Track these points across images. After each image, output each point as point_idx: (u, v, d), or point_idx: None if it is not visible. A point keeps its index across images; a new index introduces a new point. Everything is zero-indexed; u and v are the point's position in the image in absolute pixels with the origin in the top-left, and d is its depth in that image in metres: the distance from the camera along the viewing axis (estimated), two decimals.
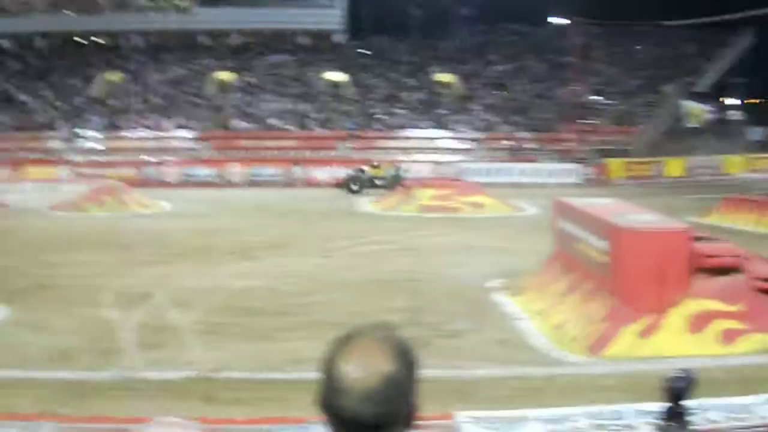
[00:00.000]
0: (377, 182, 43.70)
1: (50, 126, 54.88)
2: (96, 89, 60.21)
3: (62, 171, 45.93)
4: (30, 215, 34.35)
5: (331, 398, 2.51)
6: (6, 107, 57.55)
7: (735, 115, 61.58)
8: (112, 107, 57.74)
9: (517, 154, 52.87)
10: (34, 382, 13.32)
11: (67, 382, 13.34)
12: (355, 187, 43.59)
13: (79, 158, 49.11)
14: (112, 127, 55.10)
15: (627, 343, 13.78)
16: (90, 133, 53.59)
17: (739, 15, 60.36)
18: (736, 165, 53.77)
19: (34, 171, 45.46)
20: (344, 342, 2.56)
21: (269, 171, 48.86)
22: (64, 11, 67.06)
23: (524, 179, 47.99)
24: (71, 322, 17.06)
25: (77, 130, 53.23)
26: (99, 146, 52.34)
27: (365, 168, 44.91)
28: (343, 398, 2.46)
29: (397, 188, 41.84)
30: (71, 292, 20.02)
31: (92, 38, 68.46)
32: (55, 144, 52.32)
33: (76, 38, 68.50)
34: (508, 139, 54.81)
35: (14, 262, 24.24)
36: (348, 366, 2.48)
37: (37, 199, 36.66)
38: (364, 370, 2.46)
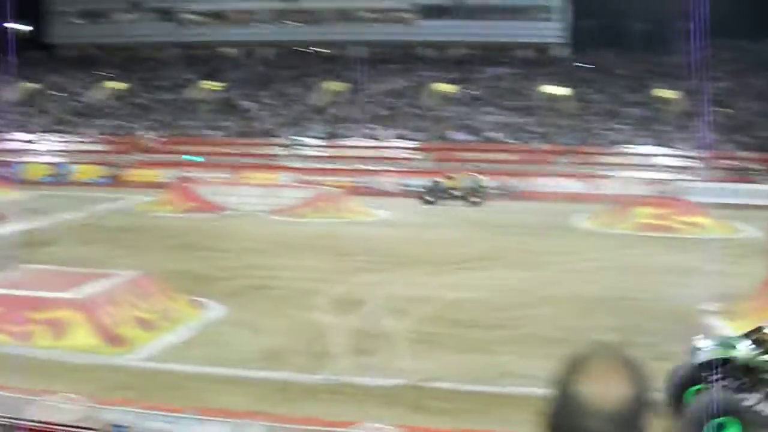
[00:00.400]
0: (454, 193, 43.03)
1: (272, 133, 56.50)
2: (317, 98, 61.66)
3: (282, 177, 47.12)
4: (250, 219, 35.45)
5: (568, 418, 2.41)
6: (230, 113, 59.72)
7: None
8: (333, 116, 58.93)
9: (738, 174, 50.76)
10: (247, 381, 13.65)
11: (279, 382, 13.60)
12: (430, 198, 43.15)
13: (298, 165, 50.28)
14: (332, 135, 56.20)
15: None
16: (309, 140, 54.84)
17: None
18: None
19: (255, 176, 46.82)
20: (581, 361, 2.48)
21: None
22: (288, 21, 69.13)
23: (746, 200, 45.90)
24: (285, 324, 17.43)
25: (296, 137, 54.57)
26: (318, 153, 53.48)
27: (440, 179, 43.96)
28: (585, 418, 2.38)
29: (474, 199, 42.09)
30: (287, 294, 20.48)
31: (315, 48, 70.29)
32: (275, 150, 53.85)
33: (299, 48, 70.50)
34: (729, 159, 52.74)
35: (233, 263, 25.03)
36: (589, 386, 2.41)
37: (257, 204, 37.72)
38: (606, 391, 2.39)
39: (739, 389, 10.84)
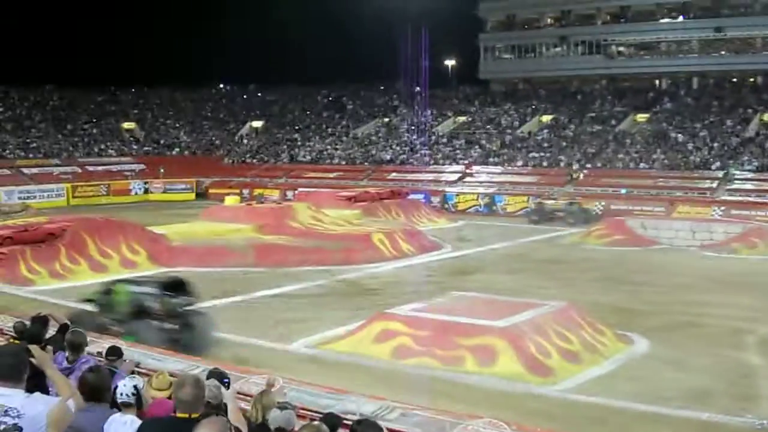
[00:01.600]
0: (558, 214, 46.63)
1: (704, 165, 54.89)
2: (751, 129, 59.10)
3: (714, 211, 45.74)
4: (679, 253, 34.80)
5: None
6: (661, 146, 58.66)
7: None
8: (766, 148, 56.27)
9: None
10: (668, 419, 13.41)
11: (701, 423, 13.24)
12: (535, 218, 47.56)
13: (731, 198, 48.53)
14: (766, 168, 53.62)
15: None
16: (742, 173, 52.70)
17: None
18: None
19: (686, 209, 45.84)
20: None
21: None
22: (720, 52, 66.92)
23: None
24: (711, 363, 16.96)
25: (732, 171, 52.65)
26: (752, 187, 51.25)
27: (546, 201, 48.34)
28: None
29: (571, 221, 44.85)
30: (715, 332, 19.94)
31: (746, 77, 67.53)
32: (708, 183, 52.26)
33: (729, 77, 68.08)
34: None
35: (660, 298, 24.72)
36: None
37: (687, 238, 36.93)
38: None
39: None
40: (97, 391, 6.07)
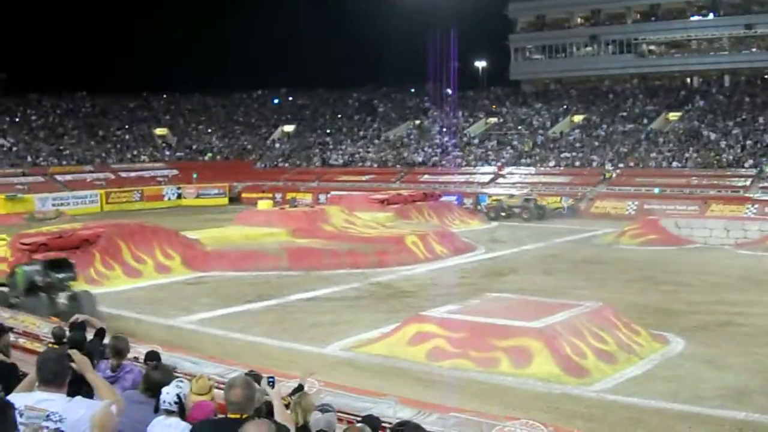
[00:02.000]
0: (515, 210, 49.10)
1: (737, 163, 54.45)
2: None
3: (748, 208, 45.39)
4: (714, 252, 34.57)
5: None
6: (693, 144, 58.23)
7: None
8: None
9: None
10: (704, 418, 13.32)
11: (739, 422, 13.14)
12: (492, 214, 49.49)
13: (765, 196, 48.11)
14: None
15: None
16: None
17: None
18: None
19: (720, 208, 45.54)
20: None
21: None
22: (751, 49, 66.39)
23: None
24: (748, 362, 16.83)
25: (765, 168, 52.17)
26: None
27: (502, 198, 51.09)
28: None
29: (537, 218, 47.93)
30: (751, 331, 19.77)
31: None
32: (741, 181, 51.82)
33: (764, 75, 67.42)
34: None
35: (696, 297, 24.56)
36: None
37: (721, 237, 36.67)
38: None
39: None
40: (158, 388, 6.23)
